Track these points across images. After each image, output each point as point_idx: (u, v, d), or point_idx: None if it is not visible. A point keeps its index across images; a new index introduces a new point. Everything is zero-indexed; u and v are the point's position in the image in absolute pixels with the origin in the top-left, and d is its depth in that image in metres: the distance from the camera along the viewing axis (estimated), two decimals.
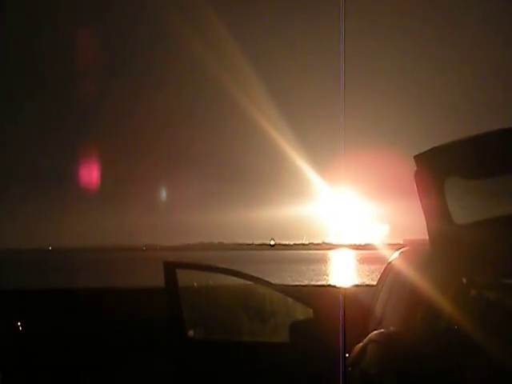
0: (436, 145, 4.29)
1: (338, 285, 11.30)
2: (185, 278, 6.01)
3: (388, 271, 5.84)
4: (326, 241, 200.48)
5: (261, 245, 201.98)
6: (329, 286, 11.99)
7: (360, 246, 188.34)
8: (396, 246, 6.19)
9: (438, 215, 4.34)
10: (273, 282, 6.76)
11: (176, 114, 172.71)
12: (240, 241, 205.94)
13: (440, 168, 4.28)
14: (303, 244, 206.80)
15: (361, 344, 4.95)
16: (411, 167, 4.40)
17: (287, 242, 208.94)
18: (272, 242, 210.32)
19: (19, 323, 8.10)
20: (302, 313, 6.48)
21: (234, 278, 6.19)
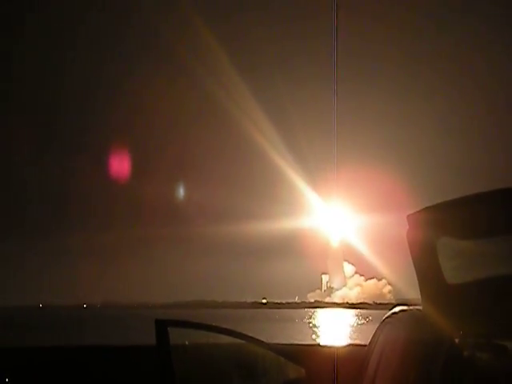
0: (428, 205, 4.34)
1: (330, 344, 11.24)
2: (176, 336, 5.97)
3: (380, 331, 5.82)
4: (319, 299, 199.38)
5: (253, 303, 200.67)
6: (321, 345, 11.92)
7: (353, 304, 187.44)
8: (389, 306, 6.18)
9: (431, 275, 4.36)
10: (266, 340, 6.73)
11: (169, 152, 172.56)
12: (232, 299, 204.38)
13: (432, 228, 4.32)
14: (296, 303, 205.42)
15: None
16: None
17: (279, 301, 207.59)
18: (264, 301, 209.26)
19: (7, 380, 8.02)
20: (294, 372, 6.44)
21: (226, 337, 6.16)
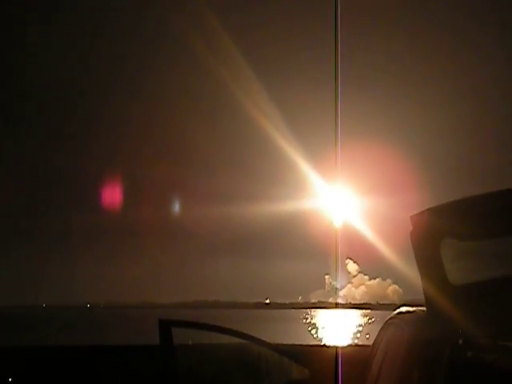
0: (431, 206, 4.34)
1: (333, 344, 11.25)
2: (180, 336, 5.98)
3: (384, 331, 5.83)
4: (322, 299, 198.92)
5: (256, 303, 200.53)
6: (324, 345, 11.92)
7: (356, 305, 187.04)
8: (393, 306, 6.18)
9: (434, 276, 4.36)
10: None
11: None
12: (235, 299, 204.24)
13: (435, 229, 4.32)
14: (299, 303, 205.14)
15: None
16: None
17: (283, 301, 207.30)
18: (267, 301, 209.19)
19: (10, 379, 8.03)
20: (297, 372, 6.44)
21: (229, 337, 6.17)
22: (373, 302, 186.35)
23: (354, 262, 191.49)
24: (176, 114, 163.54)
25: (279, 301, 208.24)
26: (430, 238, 4.32)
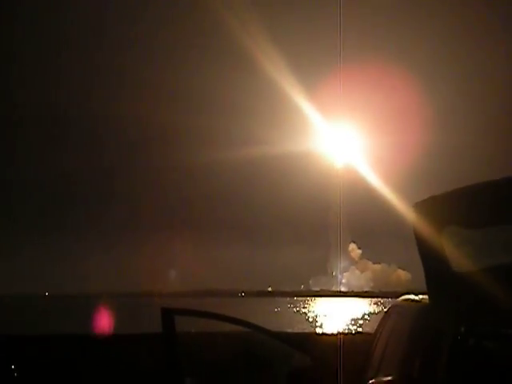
0: (435, 194, 4.33)
1: (335, 332, 11.26)
2: (182, 324, 5.99)
3: (387, 319, 5.83)
4: (325, 287, 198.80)
5: (258, 292, 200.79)
6: (327, 333, 11.93)
7: (359, 293, 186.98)
8: (395, 294, 6.18)
9: (437, 263, 4.36)
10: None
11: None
12: (237, 287, 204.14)
13: (439, 217, 4.31)
14: (301, 291, 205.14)
15: None
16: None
17: (286, 290, 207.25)
18: (270, 289, 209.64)
19: (13, 367, 8.06)
20: (300, 360, 6.45)
21: (232, 325, 6.18)
22: (376, 290, 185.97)
23: (359, 248, 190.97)
24: (173, 57, 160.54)
25: (282, 289, 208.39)
26: (434, 225, 4.31)
